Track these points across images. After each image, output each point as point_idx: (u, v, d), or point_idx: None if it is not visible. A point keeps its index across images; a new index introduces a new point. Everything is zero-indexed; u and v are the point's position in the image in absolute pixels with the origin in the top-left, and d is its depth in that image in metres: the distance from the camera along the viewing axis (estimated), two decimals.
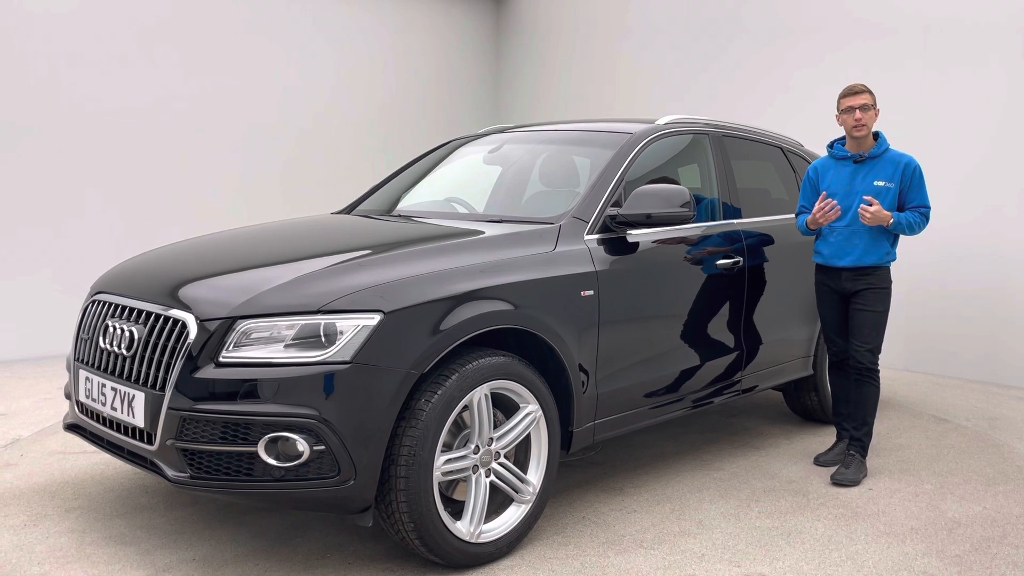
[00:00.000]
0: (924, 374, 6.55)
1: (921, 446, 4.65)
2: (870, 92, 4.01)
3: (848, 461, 4.06)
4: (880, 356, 4.13)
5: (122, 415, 2.88)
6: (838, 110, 4.04)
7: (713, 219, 4.19)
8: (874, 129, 4.07)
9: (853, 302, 4.08)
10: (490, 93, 9.97)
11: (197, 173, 7.59)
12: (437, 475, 2.84)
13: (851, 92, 4.01)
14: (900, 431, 4.92)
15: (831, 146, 4.18)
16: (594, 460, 4.25)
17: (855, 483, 3.96)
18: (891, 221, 3.90)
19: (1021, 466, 4.32)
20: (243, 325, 2.71)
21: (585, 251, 3.41)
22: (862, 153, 4.04)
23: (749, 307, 4.23)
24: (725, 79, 7.88)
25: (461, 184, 4.61)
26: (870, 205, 3.86)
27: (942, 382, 6.32)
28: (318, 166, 8.39)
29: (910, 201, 3.98)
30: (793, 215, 4.69)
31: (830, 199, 3.99)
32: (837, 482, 3.95)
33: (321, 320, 2.70)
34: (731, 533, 3.38)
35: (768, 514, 3.59)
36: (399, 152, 7.88)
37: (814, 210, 4.00)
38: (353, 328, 2.69)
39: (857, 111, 3.95)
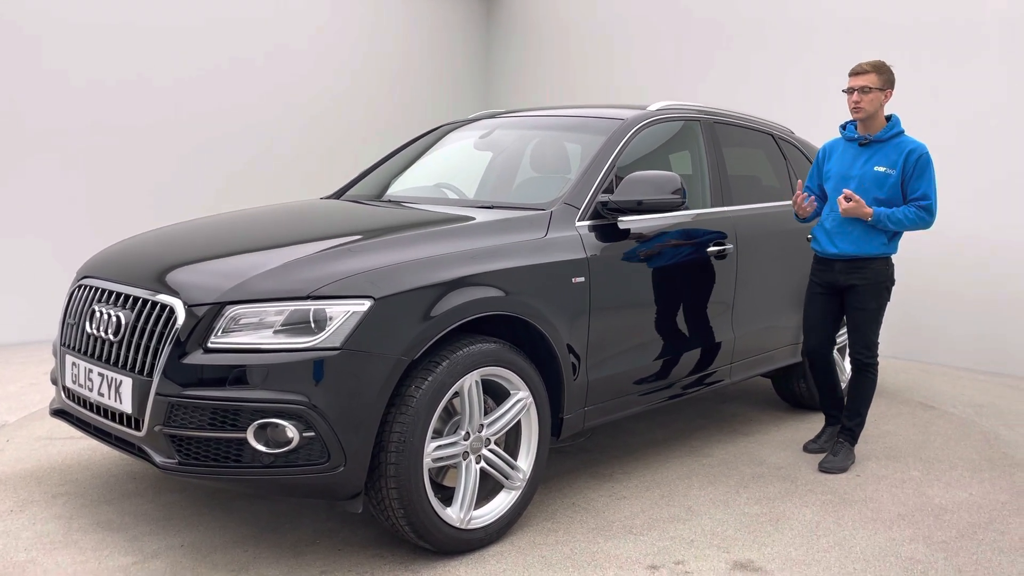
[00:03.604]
0: (912, 361, 6.59)
1: (908, 433, 4.67)
2: (878, 73, 3.81)
3: (836, 449, 4.08)
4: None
5: (109, 401, 2.86)
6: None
7: (704, 206, 4.17)
8: (889, 112, 3.91)
9: (847, 300, 4.00)
10: (480, 78, 9.92)
11: (185, 159, 7.52)
12: (427, 461, 2.83)
13: (853, 71, 3.86)
14: (888, 418, 4.95)
15: (843, 126, 4.03)
16: (584, 446, 4.25)
17: (843, 470, 3.98)
18: (870, 218, 3.77)
19: (1007, 453, 4.35)
20: (232, 311, 2.68)
21: (576, 237, 3.40)
22: (868, 135, 3.90)
23: (739, 294, 4.23)
24: (715, 69, 7.86)
25: (451, 170, 4.59)
26: (848, 199, 3.73)
27: (929, 369, 6.36)
28: (305, 151, 8.32)
29: (912, 191, 3.82)
30: (783, 202, 4.70)
31: (804, 194, 3.92)
32: (825, 469, 3.97)
33: (311, 306, 2.68)
34: (720, 519, 3.39)
35: (757, 500, 3.61)
36: (388, 137, 7.83)
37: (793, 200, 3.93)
38: (343, 314, 2.67)
39: (856, 92, 3.81)
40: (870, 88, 3.81)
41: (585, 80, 8.98)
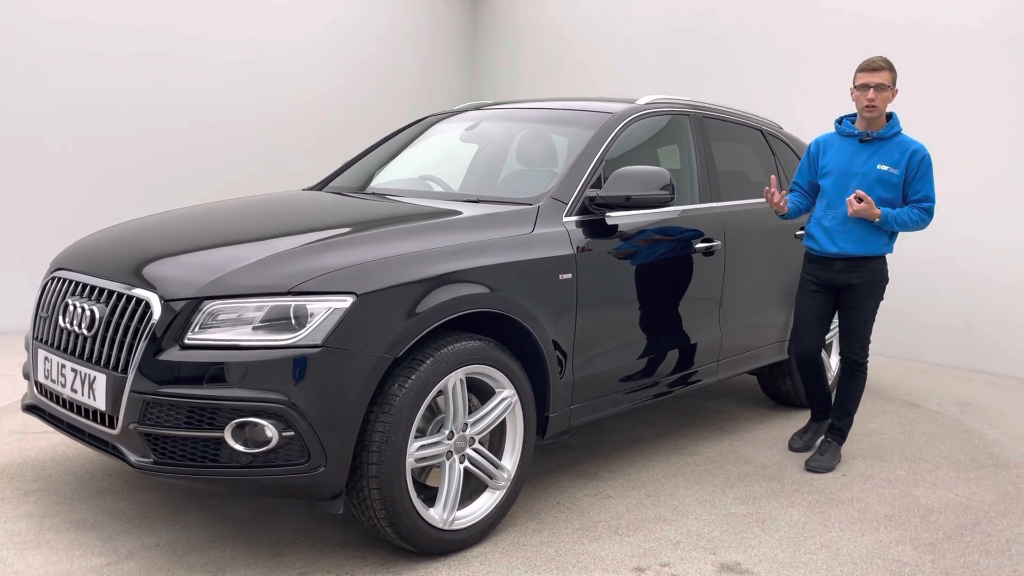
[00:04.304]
0: (895, 358, 6.58)
1: (893, 431, 4.66)
2: (890, 70, 3.72)
3: (824, 448, 4.05)
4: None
5: (82, 397, 2.78)
6: (853, 84, 3.79)
7: (692, 202, 4.12)
8: (888, 110, 3.83)
9: (844, 299, 3.94)
10: (465, 76, 9.79)
11: (162, 149, 7.37)
12: (410, 461, 2.77)
13: (868, 67, 3.73)
14: (872, 416, 4.93)
15: (839, 121, 3.94)
16: (568, 444, 4.20)
17: (829, 470, 3.96)
18: (878, 219, 3.70)
19: (992, 452, 4.34)
20: (210, 306, 2.61)
21: (564, 233, 3.34)
22: (870, 132, 3.80)
23: (727, 291, 4.19)
24: (700, 68, 7.80)
25: (436, 162, 4.51)
26: (860, 200, 3.64)
27: (912, 366, 6.36)
28: (289, 148, 8.17)
29: (914, 192, 3.76)
30: None
31: (774, 192, 3.82)
32: (812, 468, 3.94)
33: (291, 302, 2.61)
34: (706, 520, 3.35)
35: (743, 500, 3.57)
36: (372, 135, 7.72)
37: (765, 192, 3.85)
38: (324, 311, 2.60)
39: (871, 90, 3.69)
40: (886, 86, 3.72)
41: (571, 78, 8.88)
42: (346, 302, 2.62)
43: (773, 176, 3.98)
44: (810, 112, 6.77)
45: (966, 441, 4.53)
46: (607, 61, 8.58)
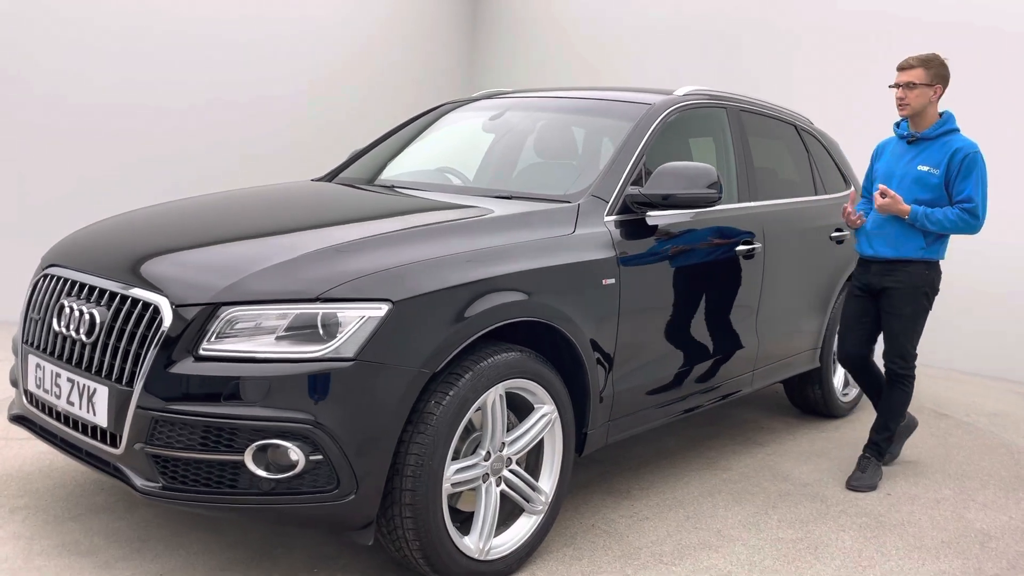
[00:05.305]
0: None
1: (929, 445, 4.44)
2: (925, 68, 3.56)
3: (863, 464, 3.83)
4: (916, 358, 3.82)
5: (80, 411, 2.48)
6: None
7: (730, 201, 3.85)
8: (942, 109, 3.67)
9: (881, 304, 3.76)
10: (465, 71, 9.46)
11: (160, 135, 6.99)
12: (446, 486, 2.50)
13: (900, 66, 3.64)
14: None
15: (897, 124, 3.80)
16: (594, 457, 3.93)
17: (872, 488, 3.73)
18: (908, 216, 3.55)
19: None
20: (228, 313, 2.31)
21: (605, 234, 3.07)
22: (914, 133, 3.67)
23: (764, 296, 3.94)
24: (706, 63, 7.54)
25: (453, 153, 4.23)
26: (883, 196, 3.54)
27: (930, 373, 6.14)
28: (281, 143, 7.80)
29: (957, 192, 3.55)
30: (806, 197, 4.45)
31: (852, 208, 3.77)
32: (854, 488, 3.72)
33: (319, 310, 2.32)
34: (754, 546, 3.11)
35: (789, 523, 3.33)
36: (368, 121, 7.42)
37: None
38: (357, 320, 2.32)
39: (900, 89, 3.61)
40: (916, 84, 3.56)
41: (572, 71, 8.56)
42: (381, 310, 2.34)
43: (853, 191, 3.79)
44: (816, 112, 6.55)
45: (1006, 456, 4.33)
46: (608, 55, 8.28)
